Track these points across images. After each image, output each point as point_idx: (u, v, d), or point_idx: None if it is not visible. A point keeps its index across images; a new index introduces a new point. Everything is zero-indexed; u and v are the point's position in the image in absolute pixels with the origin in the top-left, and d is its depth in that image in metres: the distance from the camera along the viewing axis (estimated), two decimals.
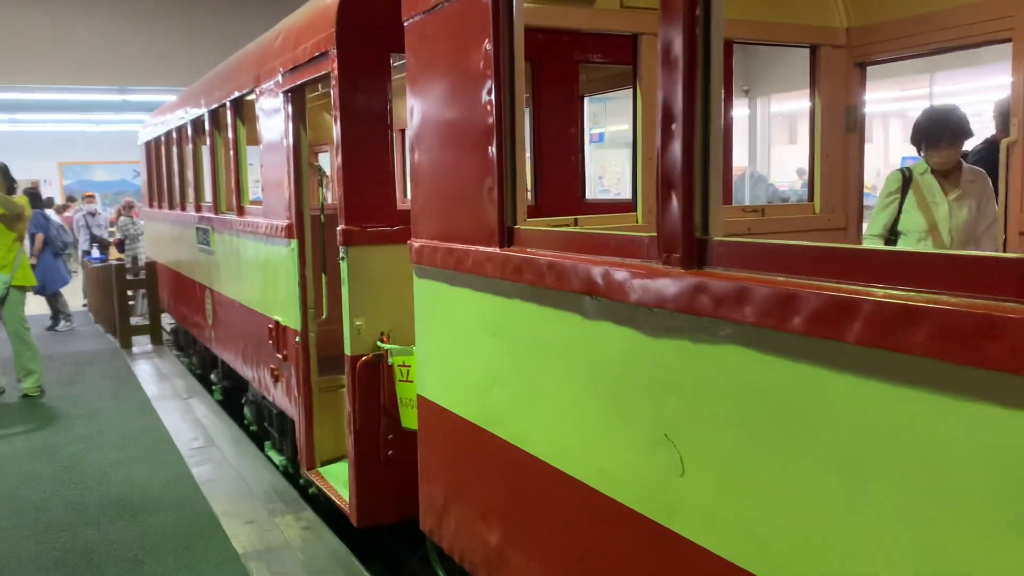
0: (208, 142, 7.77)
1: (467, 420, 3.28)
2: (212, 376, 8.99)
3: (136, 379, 8.91)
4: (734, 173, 7.94)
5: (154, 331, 10.95)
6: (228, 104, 6.87)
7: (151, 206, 11.83)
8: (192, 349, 10.31)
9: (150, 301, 10.97)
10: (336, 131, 4.56)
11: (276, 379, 6.04)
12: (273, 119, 5.66)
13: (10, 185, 7.91)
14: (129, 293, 11.29)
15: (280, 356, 5.82)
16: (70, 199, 21.06)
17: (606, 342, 2.38)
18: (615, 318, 2.32)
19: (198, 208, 8.60)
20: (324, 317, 5.50)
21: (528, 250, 2.81)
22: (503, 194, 2.96)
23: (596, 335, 2.43)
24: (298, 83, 5.09)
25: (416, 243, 3.62)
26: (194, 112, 8.31)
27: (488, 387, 3.11)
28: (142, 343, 10.96)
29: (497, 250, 2.96)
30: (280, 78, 5.41)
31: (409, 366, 4.40)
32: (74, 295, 16.34)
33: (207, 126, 7.76)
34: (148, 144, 11.74)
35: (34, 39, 15.54)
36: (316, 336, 5.48)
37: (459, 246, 3.23)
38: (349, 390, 4.64)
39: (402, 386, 4.45)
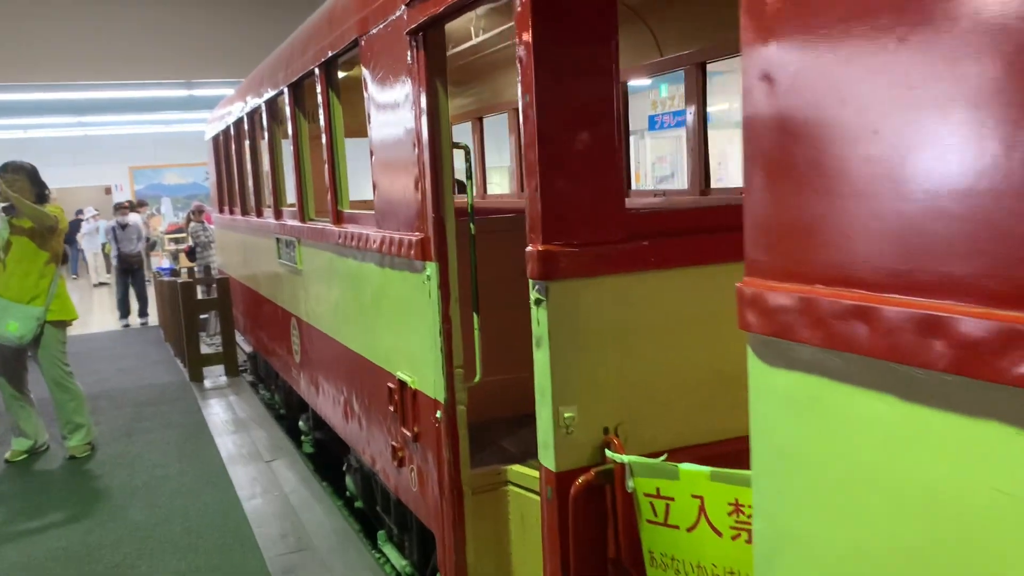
0: (290, 128, 5.93)
1: None
2: (301, 424, 7.19)
3: (207, 429, 7.16)
4: None
5: (229, 361, 9.23)
6: (317, 71, 4.99)
7: (221, 211, 10.14)
8: (274, 383, 8.56)
9: (223, 326, 9.26)
10: (524, 83, 2.60)
11: (400, 463, 4.14)
12: (390, 78, 3.75)
13: (40, 191, 6.17)
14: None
15: (408, 433, 3.92)
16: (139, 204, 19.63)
17: None
18: None
19: (278, 214, 6.79)
20: (478, 380, 3.58)
21: None
22: None
23: None
24: (438, 12, 3.14)
25: (769, 294, 1.63)
26: (269, 91, 6.49)
27: None
28: (215, 373, 9.26)
29: None
30: (403, 11, 3.48)
31: (671, 499, 2.42)
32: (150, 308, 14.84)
33: (288, 107, 5.92)
34: (216, 139, 10.04)
35: (91, 32, 14.08)
36: (466, 408, 3.57)
37: (972, 312, 1.23)
38: (551, 529, 2.68)
39: (654, 532, 2.48)
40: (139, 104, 19.39)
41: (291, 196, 6.44)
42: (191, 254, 14.30)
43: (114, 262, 14.42)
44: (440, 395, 3.52)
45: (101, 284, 20.85)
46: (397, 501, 4.55)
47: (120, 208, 14.79)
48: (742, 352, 1.74)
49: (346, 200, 5.07)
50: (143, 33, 14.38)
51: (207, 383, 8.93)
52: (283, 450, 6.50)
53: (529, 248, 2.61)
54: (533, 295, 2.63)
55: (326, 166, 5.04)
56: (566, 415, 2.59)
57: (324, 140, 5.01)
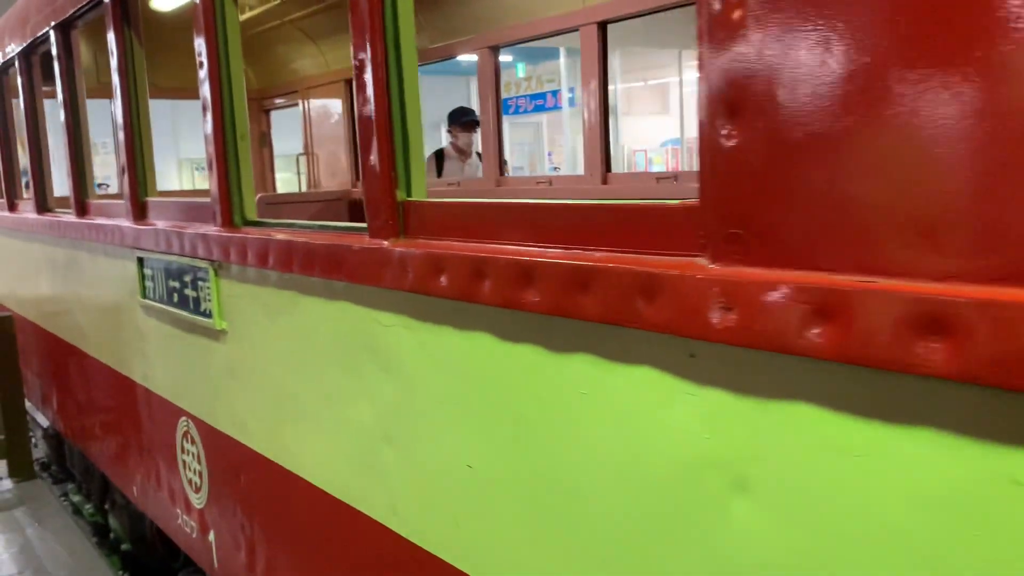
0: (203, 44, 2.74)
1: None
2: None
3: None
4: None
5: (16, 454, 5.58)
6: None
7: None
8: (105, 493, 5.12)
9: (5, 400, 5.58)
10: None
11: None
12: None
13: None
14: None
15: None
16: None
17: None
18: None
19: (138, 212, 3.54)
20: None
21: None
22: None
23: None
24: None
25: None
26: None
27: None
28: None
29: None
30: None
31: None
32: None
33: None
34: None
35: None
36: None
37: None
38: None
39: None
40: None
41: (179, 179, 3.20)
42: None
43: None
44: None
45: None
46: None
47: None
48: None
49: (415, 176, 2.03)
50: None
51: None
52: None
53: None
54: None
55: (370, 95, 1.99)
56: None
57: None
